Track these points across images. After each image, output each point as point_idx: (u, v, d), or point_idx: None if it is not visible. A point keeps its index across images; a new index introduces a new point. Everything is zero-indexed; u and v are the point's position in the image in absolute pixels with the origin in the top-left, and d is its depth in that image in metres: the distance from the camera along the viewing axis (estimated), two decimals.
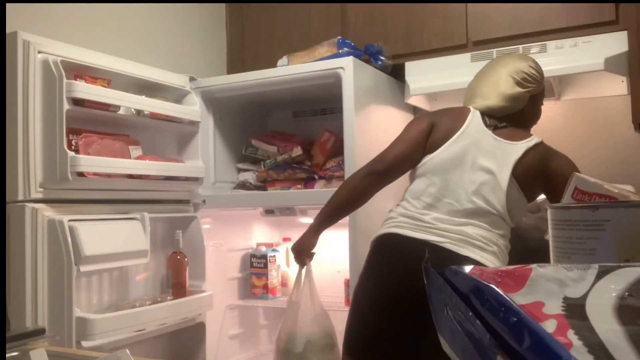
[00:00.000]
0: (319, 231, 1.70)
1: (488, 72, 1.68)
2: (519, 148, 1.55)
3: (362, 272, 1.61)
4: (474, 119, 1.60)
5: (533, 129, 1.69)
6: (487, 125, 1.60)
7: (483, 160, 1.55)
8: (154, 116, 2.08)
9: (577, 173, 0.79)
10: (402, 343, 1.48)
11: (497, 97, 1.61)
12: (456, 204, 1.53)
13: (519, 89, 1.60)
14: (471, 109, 1.64)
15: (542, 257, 0.68)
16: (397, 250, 1.54)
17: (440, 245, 1.48)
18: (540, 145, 1.58)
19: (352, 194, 1.65)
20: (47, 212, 1.72)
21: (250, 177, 2.47)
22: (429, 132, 1.62)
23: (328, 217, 1.68)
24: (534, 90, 1.62)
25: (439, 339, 0.46)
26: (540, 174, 1.55)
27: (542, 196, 1.67)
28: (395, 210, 1.63)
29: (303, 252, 1.74)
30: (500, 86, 1.61)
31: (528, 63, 1.63)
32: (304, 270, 1.76)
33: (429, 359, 1.29)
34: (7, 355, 0.89)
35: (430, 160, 1.59)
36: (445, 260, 1.43)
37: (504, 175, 1.52)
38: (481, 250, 1.48)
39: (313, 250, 1.75)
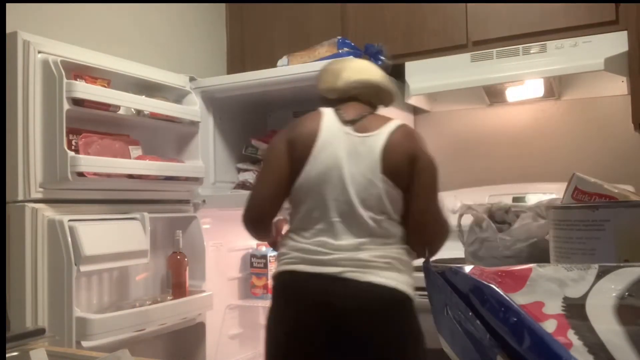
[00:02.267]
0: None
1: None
2: (380, 138, 1.47)
3: (269, 311, 1.52)
4: (327, 120, 1.52)
5: None
6: (344, 123, 1.51)
7: (350, 164, 1.46)
8: (154, 116, 2.08)
9: (577, 173, 0.79)
10: None
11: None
12: (342, 223, 1.44)
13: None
14: (322, 110, 1.55)
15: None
16: (295, 290, 1.46)
17: (340, 275, 1.40)
18: (401, 127, 1.51)
19: (254, 236, 1.68)
20: (47, 212, 1.72)
21: (250, 177, 2.47)
22: (289, 152, 1.51)
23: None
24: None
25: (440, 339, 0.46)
26: (405, 157, 1.47)
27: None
28: (287, 243, 1.51)
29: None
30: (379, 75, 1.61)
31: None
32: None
33: None
34: (7, 355, 0.89)
35: (300, 183, 1.48)
36: (349, 289, 1.40)
37: (376, 172, 1.45)
38: (381, 270, 1.42)
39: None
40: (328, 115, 1.53)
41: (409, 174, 1.48)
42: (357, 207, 1.44)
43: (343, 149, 1.48)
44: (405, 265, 1.47)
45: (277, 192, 1.52)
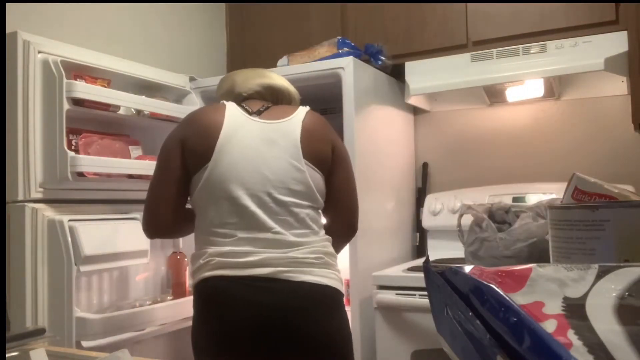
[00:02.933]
0: None
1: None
2: (293, 123, 1.45)
3: (194, 323, 1.42)
4: (231, 111, 1.45)
5: None
6: (249, 114, 1.46)
7: (266, 150, 1.40)
8: (154, 116, 2.08)
9: (577, 173, 0.79)
10: None
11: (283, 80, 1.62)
12: (265, 215, 1.36)
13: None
14: (224, 103, 1.49)
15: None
16: (224, 298, 1.35)
17: (273, 277, 1.33)
18: (310, 113, 1.51)
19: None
20: (47, 212, 1.72)
21: None
22: (183, 153, 1.42)
23: None
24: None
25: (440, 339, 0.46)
26: (325, 143, 1.46)
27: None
28: (204, 252, 1.40)
29: None
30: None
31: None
32: None
33: None
34: (7, 355, 0.89)
35: (205, 181, 1.38)
36: (284, 290, 1.33)
37: (297, 156, 1.40)
38: (315, 267, 1.38)
39: None
40: (230, 107, 1.47)
41: (331, 161, 1.47)
42: (279, 195, 1.37)
43: (255, 136, 1.41)
44: (333, 258, 1.46)
45: (177, 194, 1.44)
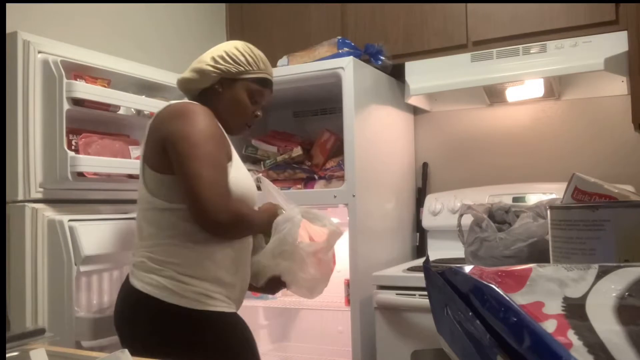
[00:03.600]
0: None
1: None
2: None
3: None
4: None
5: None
6: None
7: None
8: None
9: (577, 173, 0.79)
10: None
11: (190, 69, 1.55)
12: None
13: (208, 65, 1.51)
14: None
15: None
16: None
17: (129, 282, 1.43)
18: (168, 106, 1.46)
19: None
20: (47, 212, 1.72)
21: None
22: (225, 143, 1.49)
23: None
24: (225, 69, 1.50)
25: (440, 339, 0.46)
26: (155, 136, 1.44)
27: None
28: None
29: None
30: (198, 61, 1.54)
31: (235, 45, 1.54)
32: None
33: None
34: (7, 355, 0.89)
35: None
36: (120, 293, 1.47)
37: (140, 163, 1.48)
38: (138, 271, 1.41)
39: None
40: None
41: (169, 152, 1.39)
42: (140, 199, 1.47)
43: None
44: (159, 262, 1.39)
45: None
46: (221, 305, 1.41)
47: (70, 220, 1.71)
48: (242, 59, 1.52)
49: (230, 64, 1.51)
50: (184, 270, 1.37)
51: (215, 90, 1.52)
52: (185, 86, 1.57)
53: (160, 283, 1.36)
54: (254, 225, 1.49)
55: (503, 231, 1.30)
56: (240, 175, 1.45)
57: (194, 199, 1.31)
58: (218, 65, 1.50)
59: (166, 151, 1.38)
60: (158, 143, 1.40)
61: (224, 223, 1.33)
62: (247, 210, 1.46)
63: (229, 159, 1.44)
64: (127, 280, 1.44)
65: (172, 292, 1.36)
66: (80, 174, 1.74)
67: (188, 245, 1.38)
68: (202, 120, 1.39)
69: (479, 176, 2.45)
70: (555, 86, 2.25)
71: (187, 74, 1.55)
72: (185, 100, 1.53)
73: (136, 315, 1.41)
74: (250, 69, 1.53)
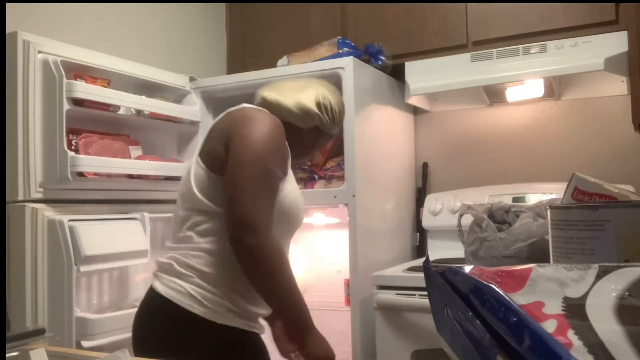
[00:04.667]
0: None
1: (295, 79, 1.58)
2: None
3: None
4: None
5: None
6: None
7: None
8: (154, 116, 2.08)
9: (577, 173, 0.79)
10: None
11: (292, 101, 1.44)
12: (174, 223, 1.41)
13: (315, 110, 1.45)
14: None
15: None
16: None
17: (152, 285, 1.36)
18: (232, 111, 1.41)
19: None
20: (47, 212, 1.72)
21: None
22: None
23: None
24: (325, 122, 1.48)
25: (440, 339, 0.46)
26: (220, 134, 1.35)
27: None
28: None
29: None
30: (298, 93, 1.46)
31: (337, 99, 1.52)
32: None
33: None
34: (7, 355, 0.89)
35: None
36: (153, 303, 1.33)
37: (193, 159, 1.39)
38: (163, 273, 1.34)
39: None
40: None
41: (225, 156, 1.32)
42: (178, 206, 1.43)
43: None
44: (188, 268, 1.31)
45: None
46: (245, 324, 1.35)
47: (70, 220, 1.71)
48: (338, 117, 1.51)
49: (330, 117, 1.48)
50: (215, 281, 1.30)
51: (299, 127, 1.47)
52: (276, 111, 1.42)
53: (185, 290, 1.29)
54: (279, 277, 1.29)
55: (503, 231, 1.30)
56: (288, 191, 1.38)
57: (230, 206, 1.25)
58: (322, 115, 1.46)
59: (227, 151, 1.31)
60: (221, 141, 1.33)
61: (248, 244, 1.23)
62: (284, 258, 1.32)
63: (285, 173, 1.37)
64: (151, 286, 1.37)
65: (196, 301, 1.28)
66: (80, 174, 1.74)
67: (226, 256, 1.29)
68: (270, 133, 1.32)
69: (479, 176, 2.45)
70: (555, 86, 2.25)
71: (289, 103, 1.44)
72: (261, 108, 1.43)
73: (155, 320, 1.34)
74: (336, 125, 1.53)
